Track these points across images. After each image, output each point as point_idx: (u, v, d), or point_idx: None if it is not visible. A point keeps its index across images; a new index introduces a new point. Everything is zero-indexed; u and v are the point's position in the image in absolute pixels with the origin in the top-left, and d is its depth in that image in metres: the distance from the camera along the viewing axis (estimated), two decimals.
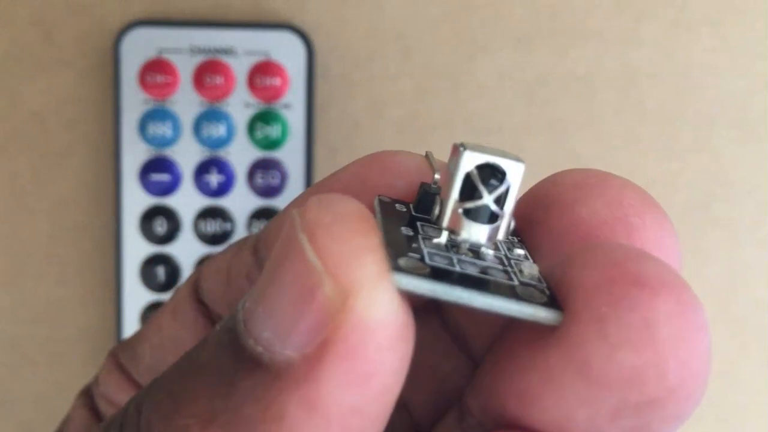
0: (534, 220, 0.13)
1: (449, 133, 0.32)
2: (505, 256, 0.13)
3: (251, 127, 0.31)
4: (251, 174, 0.31)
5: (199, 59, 0.31)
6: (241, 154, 0.31)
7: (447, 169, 0.13)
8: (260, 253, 0.15)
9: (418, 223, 0.13)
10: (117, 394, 0.17)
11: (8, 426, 0.33)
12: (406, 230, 0.12)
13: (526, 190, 0.14)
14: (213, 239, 0.31)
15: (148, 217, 0.31)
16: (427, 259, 0.11)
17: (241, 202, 0.31)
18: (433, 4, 0.32)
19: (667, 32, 0.32)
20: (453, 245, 0.12)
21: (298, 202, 0.15)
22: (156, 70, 0.31)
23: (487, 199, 0.12)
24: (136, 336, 0.17)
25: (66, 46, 0.31)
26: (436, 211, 0.13)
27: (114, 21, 0.31)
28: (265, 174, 0.31)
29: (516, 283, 0.12)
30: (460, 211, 0.12)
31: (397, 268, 0.11)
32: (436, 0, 0.32)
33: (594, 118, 0.32)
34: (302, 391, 0.10)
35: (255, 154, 0.31)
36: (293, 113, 0.31)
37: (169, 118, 0.31)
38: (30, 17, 0.31)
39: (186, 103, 0.31)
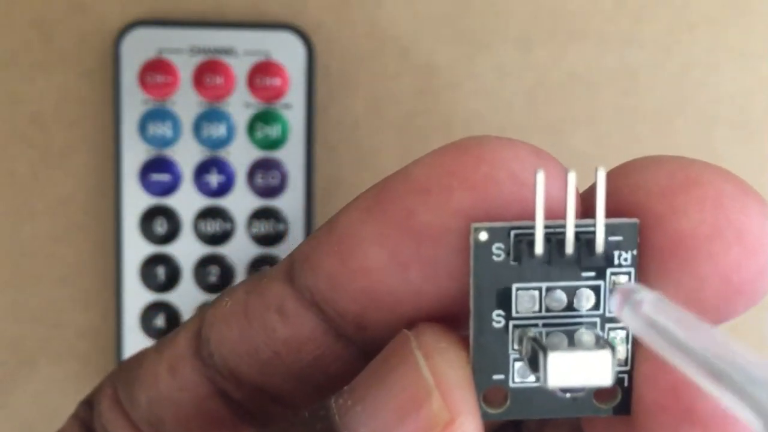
0: None
1: (449, 133, 0.32)
2: (602, 319, 0.13)
3: (251, 127, 0.31)
4: (251, 174, 0.31)
5: (199, 59, 0.31)
6: (241, 154, 0.31)
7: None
8: (300, 280, 0.14)
9: (516, 289, 0.13)
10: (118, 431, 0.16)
11: (8, 426, 0.33)
12: (497, 331, 0.13)
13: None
14: (213, 239, 0.31)
15: (148, 217, 0.31)
16: (511, 383, 0.13)
17: (241, 202, 0.31)
18: (433, 4, 0.32)
19: (667, 32, 0.32)
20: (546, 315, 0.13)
21: (359, 209, 0.13)
22: (156, 70, 0.31)
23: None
24: (134, 375, 0.16)
25: (66, 46, 0.31)
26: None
27: (114, 21, 0.31)
28: (265, 174, 0.31)
29: None
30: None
31: (484, 406, 0.13)
32: (436, 0, 0.32)
33: (594, 118, 0.32)
34: None
35: (255, 154, 0.31)
36: (293, 113, 0.31)
37: (169, 118, 0.31)
38: (30, 17, 0.31)
39: (186, 103, 0.31)
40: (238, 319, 0.14)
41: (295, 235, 0.31)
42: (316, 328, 0.14)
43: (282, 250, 0.31)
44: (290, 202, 0.31)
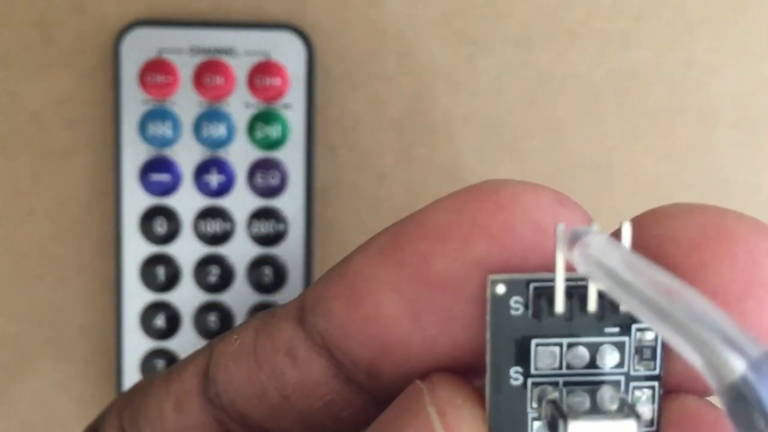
0: None
1: (449, 133, 0.32)
2: (627, 377, 0.12)
3: (251, 127, 0.31)
4: (251, 174, 0.31)
5: (199, 59, 0.31)
6: (241, 154, 0.31)
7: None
8: (311, 323, 0.13)
9: (534, 345, 0.12)
10: None
11: (8, 426, 0.33)
12: (515, 389, 0.12)
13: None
14: (213, 239, 0.31)
15: (148, 217, 0.31)
16: None
17: (241, 202, 0.31)
18: (433, 4, 0.32)
19: (667, 32, 0.32)
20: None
21: (373, 253, 0.13)
22: (156, 70, 0.31)
23: None
24: (140, 408, 0.16)
25: (66, 46, 0.31)
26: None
27: (114, 21, 0.31)
28: (265, 174, 0.31)
29: None
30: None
31: None
32: (436, 0, 0.32)
33: (594, 118, 0.32)
34: None
35: (255, 154, 0.31)
36: (293, 113, 0.31)
37: (169, 118, 0.31)
38: (30, 17, 0.31)
39: (186, 103, 0.31)
40: (247, 361, 0.14)
41: (295, 235, 0.31)
42: (327, 372, 0.13)
43: (282, 250, 0.31)
44: (290, 202, 0.31)
